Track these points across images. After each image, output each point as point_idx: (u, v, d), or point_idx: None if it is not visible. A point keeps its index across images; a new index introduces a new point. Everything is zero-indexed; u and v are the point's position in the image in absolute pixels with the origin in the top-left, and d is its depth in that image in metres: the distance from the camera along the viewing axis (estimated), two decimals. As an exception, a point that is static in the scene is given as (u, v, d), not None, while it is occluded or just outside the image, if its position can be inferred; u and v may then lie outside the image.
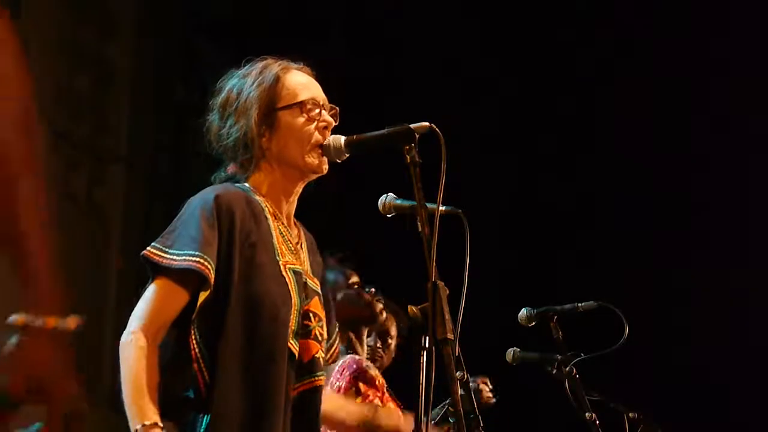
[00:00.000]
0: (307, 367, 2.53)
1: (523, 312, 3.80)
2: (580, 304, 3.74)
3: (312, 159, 2.55)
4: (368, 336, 4.47)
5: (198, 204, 2.45)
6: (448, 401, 2.30)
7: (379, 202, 2.56)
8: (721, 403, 5.82)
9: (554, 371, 3.67)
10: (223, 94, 2.60)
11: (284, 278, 2.50)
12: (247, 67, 2.62)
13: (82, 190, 6.27)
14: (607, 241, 6.34)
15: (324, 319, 2.62)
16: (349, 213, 6.31)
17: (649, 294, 5.97)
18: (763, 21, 6.12)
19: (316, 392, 2.55)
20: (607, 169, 6.45)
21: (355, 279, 4.06)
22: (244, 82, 2.58)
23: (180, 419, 2.40)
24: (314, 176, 2.60)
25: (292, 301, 2.50)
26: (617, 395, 3.89)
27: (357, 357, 3.82)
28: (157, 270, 2.41)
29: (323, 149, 2.56)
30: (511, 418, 4.12)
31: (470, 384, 2.31)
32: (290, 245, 2.58)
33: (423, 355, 2.26)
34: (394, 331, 4.47)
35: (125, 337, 2.36)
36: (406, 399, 3.91)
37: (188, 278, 2.39)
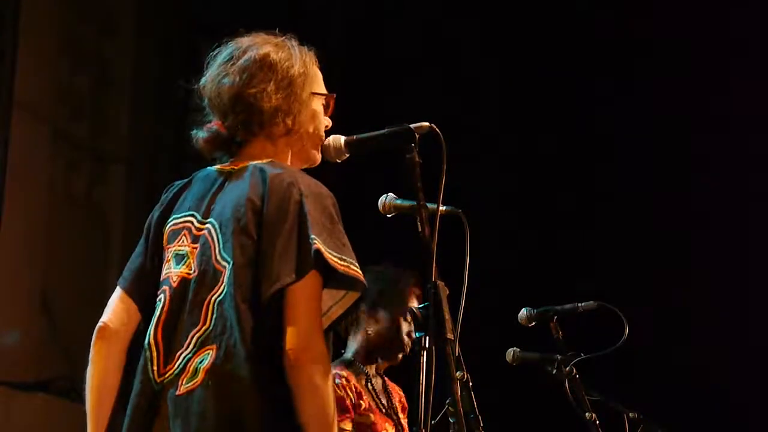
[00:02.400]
0: None
1: (523, 312, 3.79)
2: (580, 304, 3.74)
3: (315, 153, 2.53)
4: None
5: (332, 203, 2.33)
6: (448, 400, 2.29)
7: (379, 202, 2.56)
8: (721, 403, 5.82)
9: (554, 371, 3.67)
10: (251, 56, 2.46)
11: None
12: (267, 35, 2.53)
13: (82, 190, 6.28)
14: (607, 241, 6.33)
15: None
16: (349, 213, 6.30)
17: (649, 294, 5.96)
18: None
19: None
20: (608, 168, 6.44)
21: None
22: (284, 53, 2.48)
23: None
24: (308, 166, 2.54)
25: None
26: (617, 395, 3.89)
27: None
28: (324, 272, 2.23)
29: (323, 149, 2.55)
30: (511, 418, 4.12)
31: None
32: None
33: (423, 355, 2.26)
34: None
35: (315, 358, 2.16)
36: (406, 399, 3.91)
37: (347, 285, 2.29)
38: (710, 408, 5.73)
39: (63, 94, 6.15)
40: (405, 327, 3.85)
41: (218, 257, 2.28)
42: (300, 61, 2.48)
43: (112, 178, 6.43)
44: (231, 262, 2.25)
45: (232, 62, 2.47)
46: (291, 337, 2.15)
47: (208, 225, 2.34)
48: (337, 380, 3.56)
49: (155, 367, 2.28)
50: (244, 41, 2.52)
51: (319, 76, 2.56)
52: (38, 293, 5.81)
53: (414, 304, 3.96)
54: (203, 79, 2.52)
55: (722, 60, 6.18)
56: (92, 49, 6.40)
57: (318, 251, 2.19)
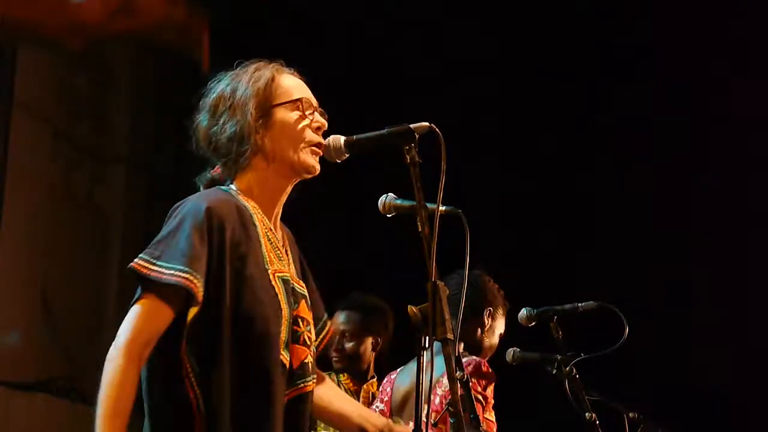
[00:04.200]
0: (297, 374, 2.51)
1: (523, 312, 3.80)
2: (580, 304, 3.74)
3: (305, 156, 2.53)
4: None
5: (189, 215, 2.40)
6: None
7: (379, 202, 2.56)
8: (721, 403, 5.82)
9: (554, 371, 3.67)
10: (214, 94, 2.57)
11: (274, 289, 2.46)
12: (239, 68, 2.60)
13: (82, 190, 6.28)
14: (607, 241, 6.33)
15: (311, 323, 2.59)
16: (349, 213, 6.31)
17: (649, 294, 5.96)
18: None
19: (304, 399, 2.52)
20: (608, 168, 6.45)
21: None
22: (238, 82, 2.55)
23: None
24: (307, 176, 2.57)
25: (283, 312, 2.46)
26: (617, 395, 3.89)
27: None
28: (144, 283, 2.36)
29: (323, 149, 2.55)
30: (511, 418, 4.12)
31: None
32: (278, 251, 2.54)
33: (423, 355, 2.26)
34: None
35: (110, 353, 2.32)
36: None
37: (176, 293, 2.34)
38: (710, 408, 5.73)
39: (63, 94, 6.15)
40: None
41: None
42: (247, 82, 2.56)
43: (112, 178, 6.43)
44: None
45: (202, 106, 2.60)
46: None
47: None
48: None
49: None
50: (219, 81, 2.61)
51: (287, 85, 2.58)
52: (38, 293, 5.81)
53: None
54: None
55: (722, 60, 6.18)
56: (92, 50, 6.40)
57: (130, 267, 2.37)
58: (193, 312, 2.35)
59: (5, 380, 5.58)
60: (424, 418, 2.28)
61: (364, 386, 4.55)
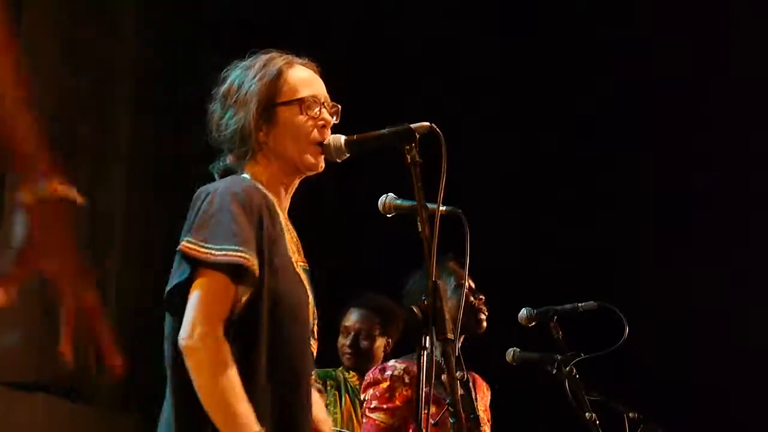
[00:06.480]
0: None
1: (523, 312, 3.80)
2: (580, 304, 3.75)
3: (308, 157, 2.53)
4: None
5: (227, 197, 2.37)
6: None
7: (379, 202, 2.56)
8: (721, 403, 5.82)
9: (554, 371, 3.67)
10: (225, 85, 2.57)
11: (299, 277, 2.48)
12: (251, 59, 2.59)
13: (82, 190, 6.26)
14: (607, 241, 6.33)
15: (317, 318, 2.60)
16: (349, 213, 6.31)
17: (649, 294, 5.96)
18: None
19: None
20: (608, 168, 6.45)
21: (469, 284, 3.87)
22: (246, 75, 2.55)
23: None
24: (311, 173, 2.58)
25: (309, 300, 2.49)
26: (617, 395, 3.89)
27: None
28: (203, 265, 2.31)
29: (323, 148, 2.55)
30: (511, 418, 4.12)
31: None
32: (295, 241, 2.56)
33: (423, 355, 2.26)
34: None
35: (189, 345, 2.26)
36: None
37: (235, 273, 2.31)
38: (710, 408, 5.73)
39: (63, 94, 6.15)
40: None
41: None
42: (252, 77, 2.55)
43: (112, 178, 6.43)
44: None
45: (215, 94, 2.60)
46: (180, 331, 2.29)
47: None
48: None
49: None
50: (233, 69, 2.62)
51: (294, 81, 2.57)
52: (38, 293, 5.80)
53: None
54: None
55: (722, 59, 6.18)
56: (92, 49, 6.40)
57: (179, 251, 2.33)
58: (246, 293, 2.34)
59: (5, 380, 5.58)
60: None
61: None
